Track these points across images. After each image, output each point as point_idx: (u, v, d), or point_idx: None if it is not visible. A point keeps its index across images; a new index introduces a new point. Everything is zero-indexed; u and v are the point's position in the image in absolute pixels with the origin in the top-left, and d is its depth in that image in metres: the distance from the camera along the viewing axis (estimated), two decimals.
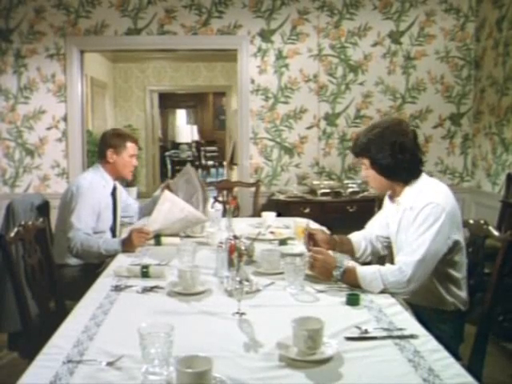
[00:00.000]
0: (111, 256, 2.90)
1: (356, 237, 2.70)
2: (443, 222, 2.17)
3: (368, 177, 2.45)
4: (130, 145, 3.30)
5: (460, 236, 2.30)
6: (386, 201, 2.61)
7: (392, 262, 2.31)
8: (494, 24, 4.98)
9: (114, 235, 3.33)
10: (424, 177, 2.37)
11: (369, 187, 4.46)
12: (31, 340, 2.17)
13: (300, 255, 2.41)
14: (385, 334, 1.73)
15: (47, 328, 1.99)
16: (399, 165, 2.30)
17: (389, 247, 2.65)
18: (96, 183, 3.20)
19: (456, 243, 2.26)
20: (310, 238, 2.58)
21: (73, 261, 3.15)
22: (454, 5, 5.31)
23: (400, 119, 2.64)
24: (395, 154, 2.28)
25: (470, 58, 5.37)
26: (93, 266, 3.10)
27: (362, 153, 2.39)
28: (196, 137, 15.72)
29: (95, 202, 3.13)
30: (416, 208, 2.24)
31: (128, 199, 3.64)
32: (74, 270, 3.13)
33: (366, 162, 2.38)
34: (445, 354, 1.59)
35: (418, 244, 2.16)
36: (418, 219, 2.21)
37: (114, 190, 3.35)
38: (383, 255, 2.74)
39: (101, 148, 3.32)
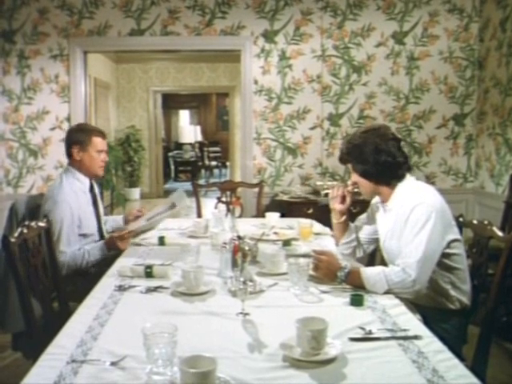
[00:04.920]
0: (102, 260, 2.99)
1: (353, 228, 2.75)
2: (435, 222, 2.19)
3: (356, 182, 2.50)
4: (96, 139, 3.14)
5: (454, 233, 2.32)
6: (374, 204, 2.64)
7: (383, 264, 2.33)
8: (497, 24, 4.97)
9: (101, 235, 3.24)
10: (410, 179, 2.40)
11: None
12: (35, 340, 2.17)
13: (304, 256, 2.41)
14: (389, 334, 1.73)
15: (51, 328, 2.00)
16: (378, 167, 2.35)
17: (365, 251, 2.72)
18: (69, 188, 3.06)
19: (452, 241, 2.29)
20: (342, 197, 2.64)
21: None
22: (457, 5, 5.30)
23: (380, 124, 2.69)
24: (374, 157, 2.34)
25: (473, 58, 5.36)
26: (96, 266, 3.10)
27: (345, 158, 2.48)
28: (199, 137, 15.75)
29: (73, 206, 3.00)
30: (406, 209, 2.26)
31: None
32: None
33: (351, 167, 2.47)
34: (449, 354, 1.59)
35: (416, 245, 2.17)
36: (410, 221, 2.23)
37: (92, 187, 3.24)
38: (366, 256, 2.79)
39: (66, 146, 3.17)
